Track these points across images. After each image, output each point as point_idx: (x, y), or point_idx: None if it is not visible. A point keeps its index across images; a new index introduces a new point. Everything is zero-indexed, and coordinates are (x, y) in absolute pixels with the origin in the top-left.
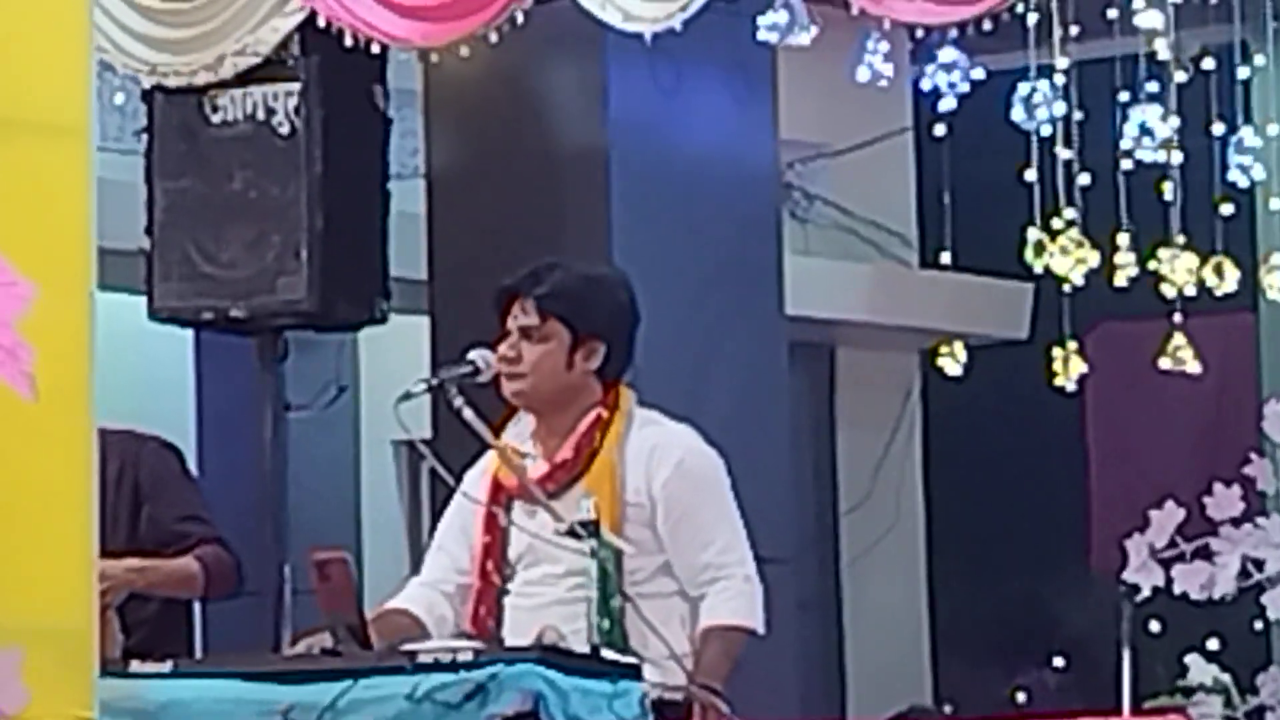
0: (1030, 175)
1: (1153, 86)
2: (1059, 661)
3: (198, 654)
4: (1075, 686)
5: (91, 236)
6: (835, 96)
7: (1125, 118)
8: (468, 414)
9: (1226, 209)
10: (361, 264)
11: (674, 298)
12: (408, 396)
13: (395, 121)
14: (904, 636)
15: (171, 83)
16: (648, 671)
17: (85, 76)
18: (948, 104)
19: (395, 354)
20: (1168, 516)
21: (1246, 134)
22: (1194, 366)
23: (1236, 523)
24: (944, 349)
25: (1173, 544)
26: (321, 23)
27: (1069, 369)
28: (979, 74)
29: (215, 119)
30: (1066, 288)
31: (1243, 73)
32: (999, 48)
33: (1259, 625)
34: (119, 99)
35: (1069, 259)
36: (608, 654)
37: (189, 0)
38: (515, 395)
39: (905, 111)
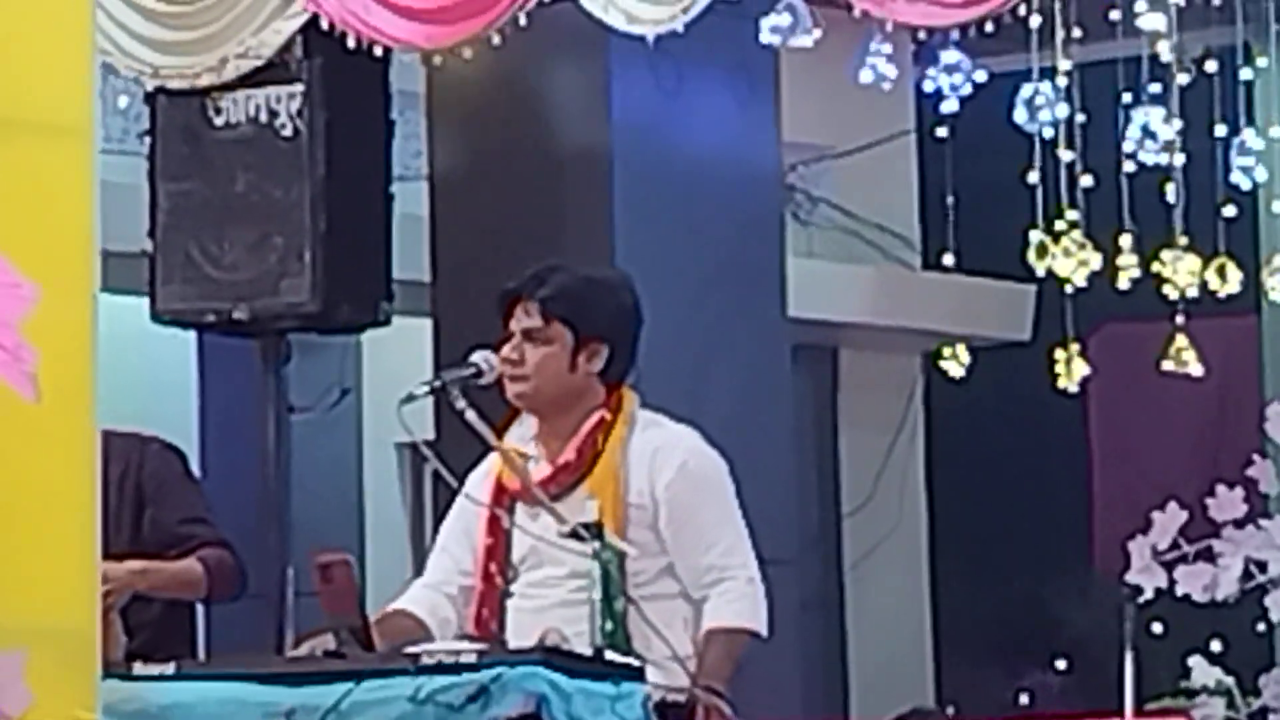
0: (1033, 177)
1: (1155, 88)
2: (1061, 663)
3: (201, 656)
4: (1077, 688)
5: (94, 238)
6: (838, 98)
7: (1128, 120)
8: (470, 416)
9: (1229, 211)
10: (364, 266)
11: (676, 299)
12: (411, 398)
13: (398, 124)
14: (906, 638)
15: (174, 85)
16: (650, 673)
17: (87, 77)
18: (950, 106)
19: (398, 356)
20: (1170, 518)
21: (1249, 136)
22: (1196, 368)
23: (1239, 524)
24: (947, 351)
25: (1175, 545)
26: (324, 25)
27: (1071, 371)
28: (981, 76)
29: (218, 121)
30: (1069, 289)
31: (1245, 74)
32: (1001, 50)
33: (1261, 627)
34: (122, 101)
35: (1071, 261)
36: (611, 656)
37: (192, 3)
38: (518, 397)
39: (908, 113)
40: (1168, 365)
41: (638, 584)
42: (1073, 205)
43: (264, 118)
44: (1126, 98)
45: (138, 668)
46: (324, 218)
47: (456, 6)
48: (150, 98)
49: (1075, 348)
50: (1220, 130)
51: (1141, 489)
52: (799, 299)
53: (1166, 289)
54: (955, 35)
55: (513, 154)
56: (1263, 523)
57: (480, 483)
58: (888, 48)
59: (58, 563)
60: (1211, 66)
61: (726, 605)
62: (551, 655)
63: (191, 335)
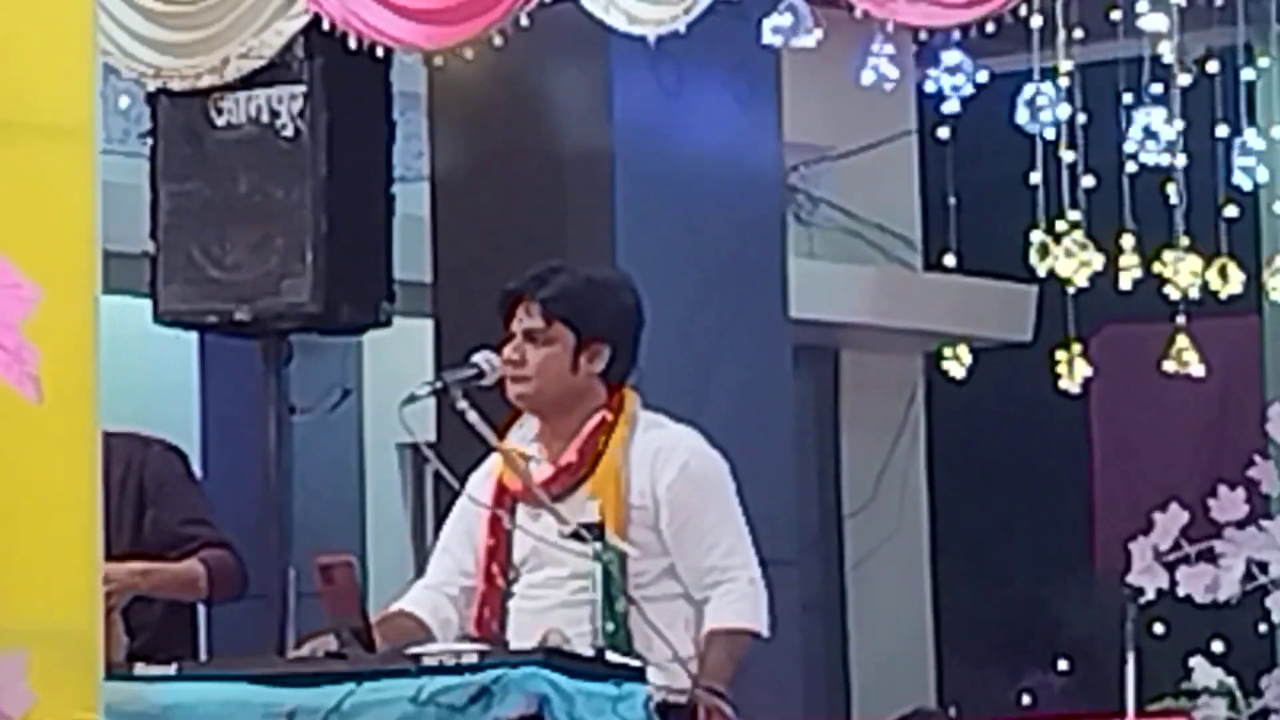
0: (1034, 178)
1: (1157, 89)
2: (1063, 664)
3: (202, 657)
4: (1079, 689)
5: (96, 239)
6: (839, 99)
7: (1129, 120)
8: (472, 417)
9: (1230, 211)
10: (366, 267)
11: (678, 300)
12: (412, 399)
13: (399, 124)
14: (908, 639)
15: (176, 86)
16: (652, 674)
17: (89, 78)
18: (952, 106)
19: (399, 357)
20: (1172, 519)
21: (1250, 136)
22: (1198, 369)
23: (1241, 525)
24: (948, 351)
25: (1177, 546)
26: (326, 26)
27: (1073, 371)
28: (983, 76)
29: (220, 122)
30: (1071, 290)
31: (1247, 75)
32: (1003, 50)
33: (1263, 628)
34: (124, 102)
35: (1073, 261)
36: (612, 657)
37: (193, 3)
38: (519, 398)
39: (909, 114)
40: (1169, 366)
41: (639, 585)
42: (1074, 206)
43: (265, 118)
44: (1128, 98)
45: (139, 668)
46: (325, 218)
47: (458, 7)
48: (152, 98)
49: (1077, 348)
50: (1222, 131)
51: (1143, 489)
52: (800, 300)
53: (1168, 289)
54: (957, 36)
55: (514, 154)
56: (1264, 523)
57: (482, 484)
58: (889, 48)
59: (59, 563)
60: (1213, 67)
61: (728, 606)
62: (553, 656)
63: (193, 336)
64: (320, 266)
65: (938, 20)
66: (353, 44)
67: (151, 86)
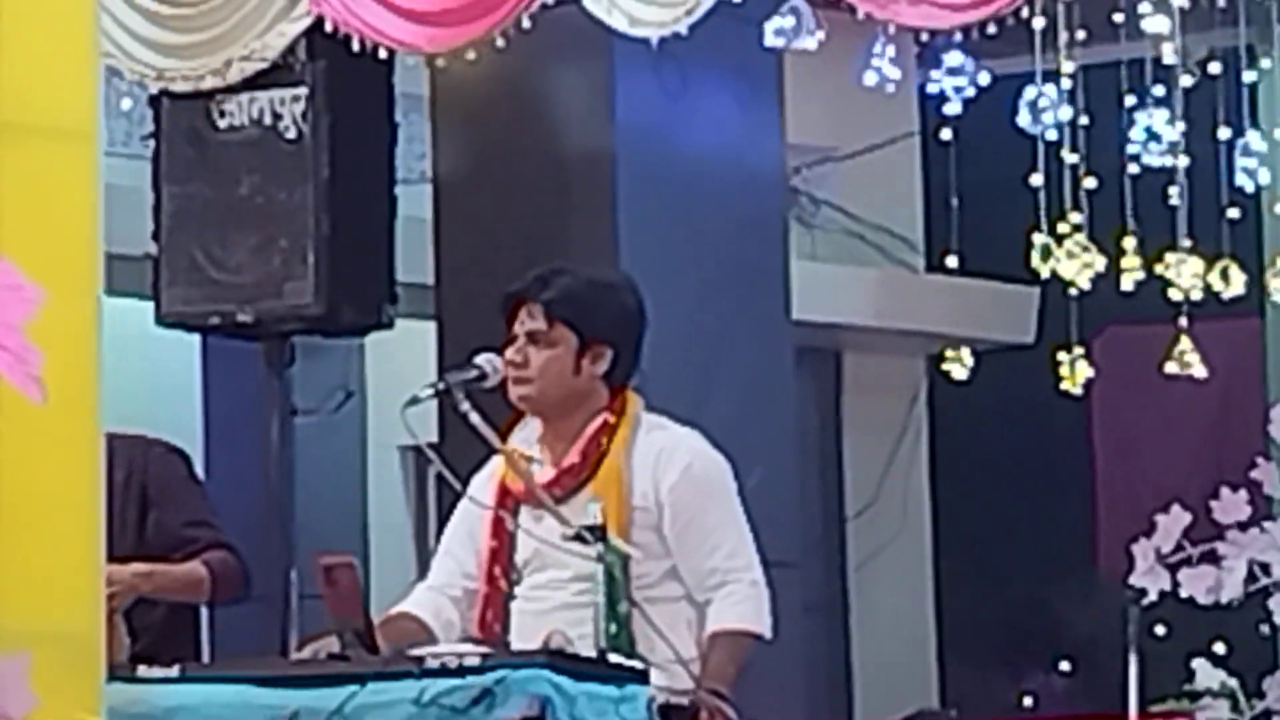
0: (1036, 179)
1: (1159, 91)
2: (1065, 666)
3: (205, 658)
4: (1082, 691)
5: (98, 241)
6: (841, 100)
7: (1131, 122)
8: (474, 419)
9: (1233, 213)
10: (368, 269)
11: (680, 302)
12: (414, 401)
13: (402, 126)
14: (910, 640)
15: (178, 88)
16: (654, 676)
17: (91, 81)
18: (954, 108)
19: (402, 359)
20: (1174, 520)
21: (1253, 138)
22: (1200, 371)
23: (1243, 527)
24: (950, 353)
25: (1179, 548)
26: (328, 28)
27: (1075, 373)
28: (985, 78)
29: (222, 124)
30: (1073, 292)
31: (1249, 77)
32: (1005, 52)
33: (1266, 629)
34: (126, 104)
35: (1075, 263)
36: (614, 658)
37: (196, 5)
38: (522, 400)
39: (911, 116)
40: (1171, 367)
41: (641, 586)
42: (1076, 207)
43: (268, 120)
44: (1130, 100)
45: (142, 670)
46: (328, 220)
47: (460, 9)
48: (154, 100)
49: (1079, 350)
50: (1224, 132)
51: (1145, 491)
52: (802, 301)
53: (1170, 291)
54: (959, 37)
55: (516, 156)
56: (1267, 525)
57: (484, 485)
58: (891, 50)
59: (62, 565)
60: (1215, 68)
61: (730, 608)
62: (555, 658)
63: (195, 338)
64: (322, 268)
65: (940, 22)
66: (355, 46)
67: (154, 88)
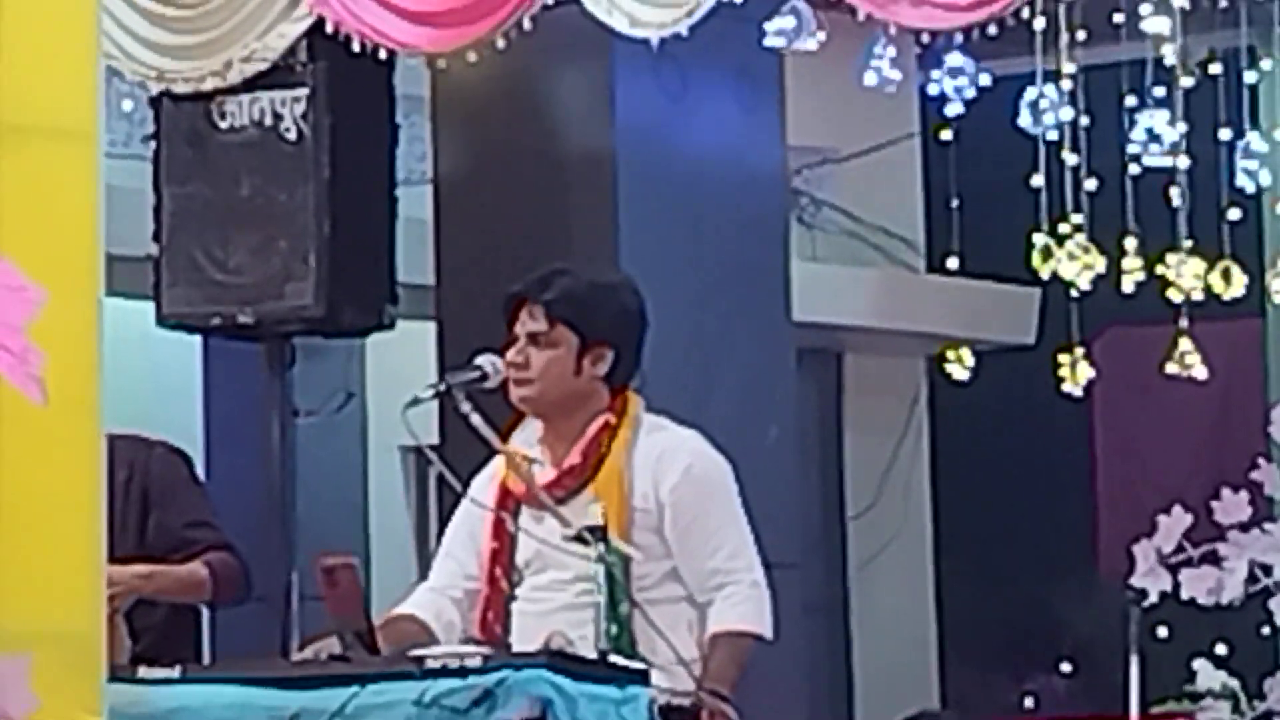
0: (1037, 180)
1: (1160, 91)
2: (1066, 667)
3: (205, 659)
4: (1083, 692)
5: (99, 242)
6: (842, 101)
7: (1132, 123)
8: (475, 419)
9: (1233, 214)
10: (369, 269)
11: (681, 303)
12: (415, 402)
13: (403, 127)
14: (911, 641)
15: (179, 89)
16: (655, 677)
17: (92, 82)
18: (954, 109)
19: (403, 360)
20: (1175, 521)
21: (1253, 139)
22: (1201, 371)
23: (1244, 528)
24: (951, 354)
25: (1180, 549)
26: (329, 29)
27: (1076, 374)
28: (986, 79)
29: (223, 125)
30: (1074, 293)
31: (1250, 77)
32: (1006, 53)
33: (1266, 630)
34: (127, 105)
35: (1076, 264)
36: (615, 659)
37: (196, 7)
38: (523, 401)
39: (912, 116)
40: (1172, 368)
41: (642, 587)
42: (1077, 208)
43: (268, 121)
44: (1131, 101)
45: (143, 671)
46: (328, 221)
47: (461, 10)
48: (155, 101)
49: (1079, 351)
50: (1225, 133)
51: (1146, 492)
52: (803, 302)
53: (1171, 292)
54: (959, 38)
55: (517, 157)
56: (1268, 526)
57: (485, 486)
58: (892, 51)
59: (63, 566)
60: (1216, 69)
61: (731, 609)
62: (556, 659)
63: (196, 339)
64: (323, 269)
65: (940, 23)
66: (356, 47)
67: (154, 89)
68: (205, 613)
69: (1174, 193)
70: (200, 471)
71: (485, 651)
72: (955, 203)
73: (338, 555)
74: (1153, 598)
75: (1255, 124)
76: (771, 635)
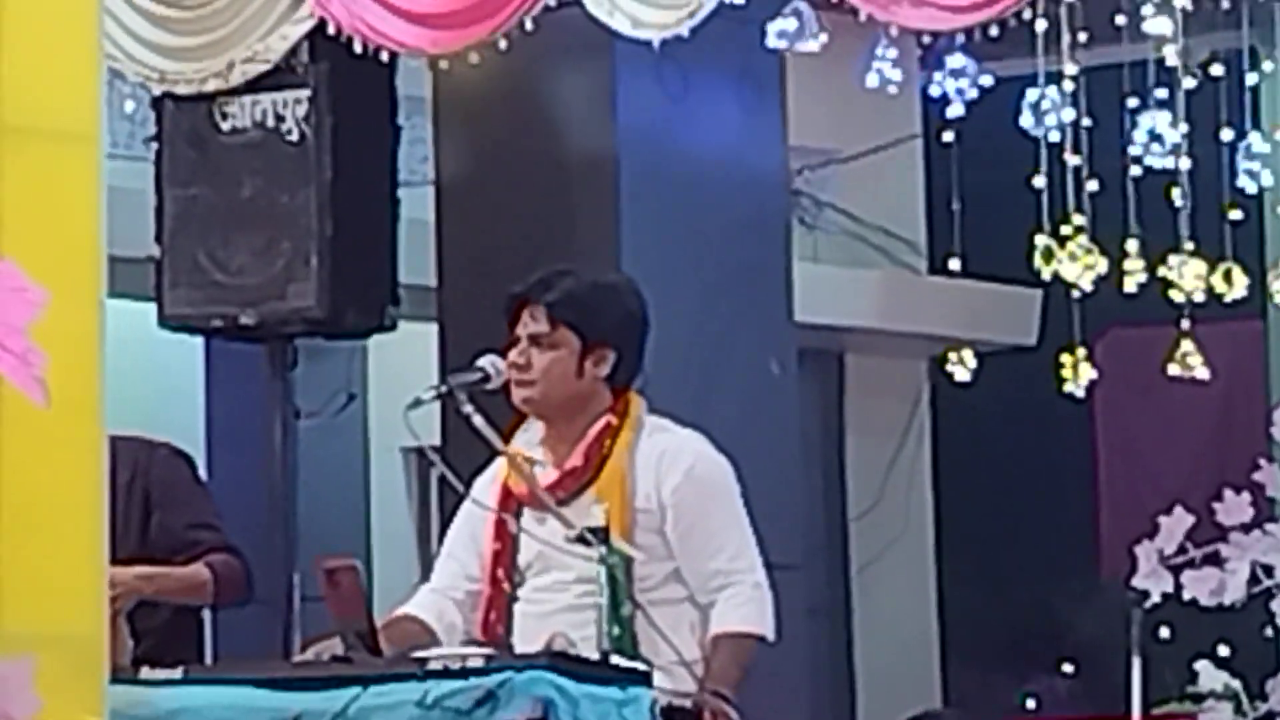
0: (1039, 181)
1: (1161, 93)
2: (1068, 668)
3: (208, 661)
4: (1084, 693)
5: (101, 243)
6: (844, 103)
7: (1134, 124)
8: (477, 421)
9: (1235, 215)
10: (371, 271)
11: (683, 304)
12: (417, 403)
13: (404, 128)
14: (913, 642)
15: (181, 90)
16: (657, 678)
17: (95, 83)
18: (956, 110)
19: (405, 361)
20: (1177, 522)
21: (1255, 140)
22: (1202, 372)
23: (1246, 529)
24: (953, 355)
25: (1182, 550)
26: (331, 30)
27: (1078, 375)
28: (988, 80)
29: (225, 126)
30: (1075, 294)
31: (1251, 79)
32: (1007, 54)
33: (1269, 632)
34: (129, 106)
35: (1078, 265)
36: (618, 660)
37: (198, 8)
38: (525, 402)
39: (914, 118)
40: (1174, 369)
41: (644, 589)
42: (1079, 209)
43: (270, 123)
44: (1132, 102)
45: (145, 673)
46: (330, 223)
47: (463, 11)
48: (157, 103)
49: (1081, 352)
50: (1226, 134)
51: (1148, 493)
52: (805, 304)
53: (1172, 293)
54: (961, 39)
55: (518, 158)
56: (1270, 527)
57: (487, 488)
58: (893, 52)
59: (65, 568)
60: (1217, 70)
61: (733, 610)
62: (558, 660)
63: (199, 340)
64: (325, 270)
65: (942, 24)
66: (358, 48)
67: (156, 91)
68: (207, 614)
69: (1176, 194)
70: (202, 473)
71: (487, 652)
72: (957, 204)
73: (339, 556)
74: (1154, 599)
75: (1257, 125)
76: (773, 636)
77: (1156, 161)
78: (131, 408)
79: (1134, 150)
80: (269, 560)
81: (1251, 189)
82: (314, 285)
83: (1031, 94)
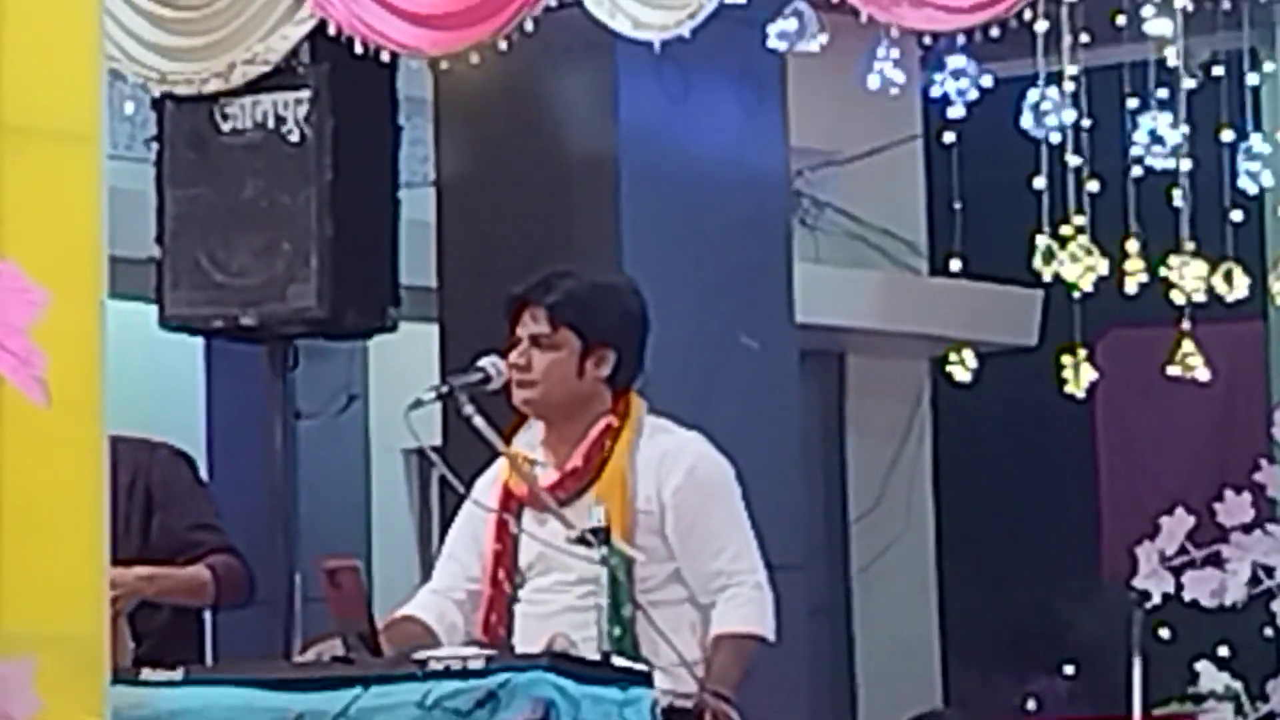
0: (1040, 182)
1: (1162, 93)
2: (1069, 669)
3: (208, 661)
4: (1085, 694)
5: (102, 244)
6: (845, 103)
7: (1135, 125)
8: (478, 421)
9: (1236, 216)
10: (372, 271)
11: (683, 305)
12: (418, 404)
13: (405, 129)
14: (914, 643)
15: (182, 91)
16: (658, 679)
17: (96, 84)
18: (957, 111)
19: (405, 362)
20: (1178, 523)
21: (1256, 141)
22: (1203, 373)
23: (1247, 529)
24: (954, 356)
25: (1183, 551)
26: (331, 31)
27: (1079, 376)
28: (988, 81)
29: (225, 127)
30: (1076, 295)
31: (1252, 79)
32: (1008, 55)
33: (1269, 632)
34: (129, 107)
35: (1079, 266)
36: (619, 661)
37: (199, 9)
38: (525, 403)
39: (915, 118)
40: (1174, 370)
41: (645, 589)
42: (1079, 210)
43: (271, 123)
44: (1133, 103)
45: (146, 673)
46: (331, 223)
47: (463, 12)
48: (157, 104)
49: (1082, 353)
50: (1227, 135)
51: (1149, 494)
52: (806, 304)
53: (1173, 294)
54: (962, 40)
55: (519, 159)
56: (1270, 528)
57: (488, 488)
58: (894, 53)
59: (67, 569)
60: (1218, 71)
61: (734, 611)
62: (559, 661)
63: (199, 341)
64: (326, 271)
65: (942, 25)
66: (358, 49)
67: (157, 92)
68: (208, 615)
69: (1176, 194)
70: (203, 474)
71: (488, 653)
72: (958, 205)
73: (340, 557)
74: (1155, 599)
75: (1258, 126)
76: (774, 637)
77: (1157, 162)
78: (132, 408)
79: (1135, 151)
80: (270, 561)
81: (1252, 190)
82: (315, 286)
83: (1032, 95)
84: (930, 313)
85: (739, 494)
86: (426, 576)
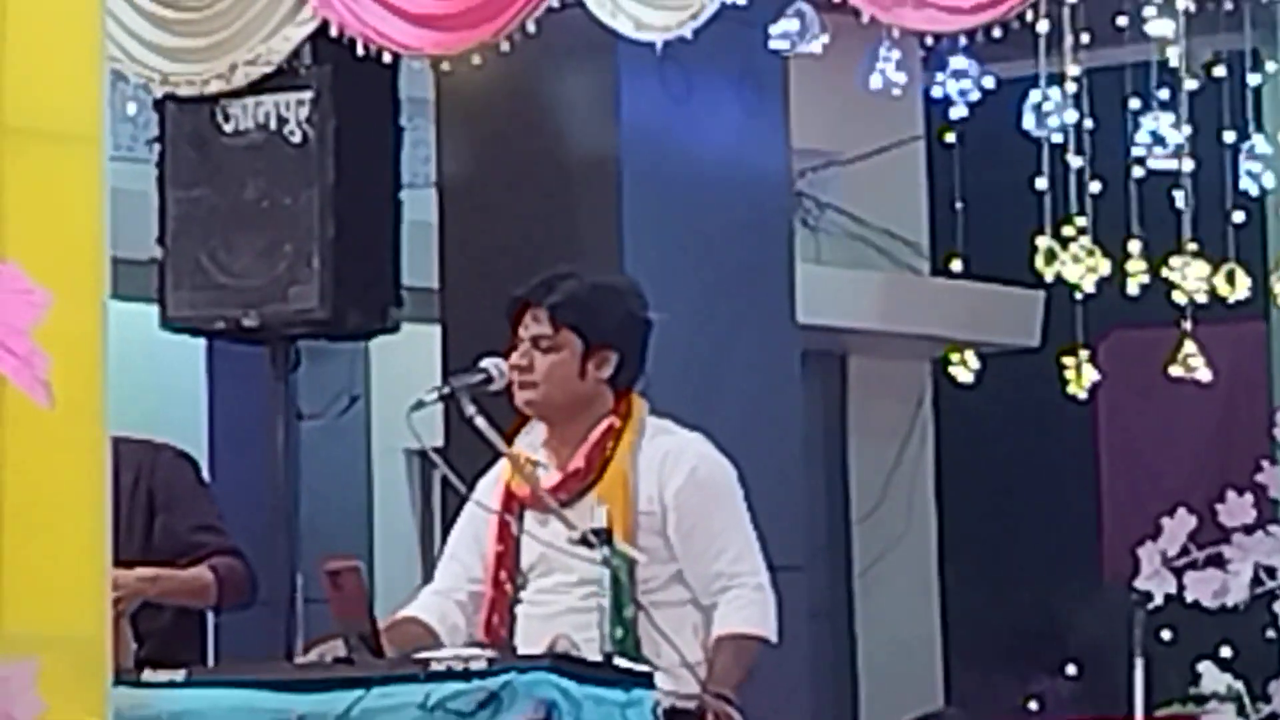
0: (1041, 183)
1: (1164, 94)
2: (1071, 669)
3: (210, 663)
4: (1087, 695)
5: (104, 245)
6: (846, 104)
7: (1136, 125)
8: (480, 422)
9: (1238, 216)
10: (373, 272)
11: (685, 306)
12: (420, 405)
13: (407, 130)
14: (916, 644)
15: (183, 92)
16: (660, 680)
17: (97, 85)
18: (959, 112)
19: (407, 362)
20: (1180, 524)
21: (1258, 141)
22: (1205, 374)
23: (1249, 530)
24: (955, 357)
25: (1185, 551)
26: (334, 32)
27: (1081, 377)
28: (990, 82)
29: (227, 128)
30: (1078, 295)
31: (1254, 80)
32: (1010, 55)
33: (1271, 633)
34: (131, 108)
35: (1080, 267)
36: (620, 662)
37: (201, 10)
38: (527, 404)
39: (916, 119)
40: (1176, 371)
41: (647, 590)
42: (1081, 211)
43: (273, 124)
44: (1135, 103)
45: (148, 675)
46: (333, 224)
47: (466, 13)
48: (159, 105)
49: (1084, 354)
50: (1229, 136)
51: (1150, 495)
52: (807, 305)
53: (1175, 295)
54: (963, 41)
55: (521, 160)
56: (1272, 528)
57: (490, 489)
58: (896, 54)
59: (69, 570)
60: (1220, 72)
61: (736, 612)
62: (561, 662)
63: (201, 342)
64: (328, 272)
65: (944, 26)
66: (360, 50)
67: (159, 93)
68: (210, 616)
69: (1178, 195)
70: (205, 475)
71: (490, 654)
72: (959, 205)
73: (342, 558)
74: (1157, 600)
75: (1259, 126)
76: (776, 638)
77: (1159, 163)
78: (134, 409)
79: (1136, 152)
80: (271, 562)
81: (1254, 190)
82: (316, 287)
83: (1034, 95)
84: (932, 313)
85: (740, 495)
86: (428, 577)
